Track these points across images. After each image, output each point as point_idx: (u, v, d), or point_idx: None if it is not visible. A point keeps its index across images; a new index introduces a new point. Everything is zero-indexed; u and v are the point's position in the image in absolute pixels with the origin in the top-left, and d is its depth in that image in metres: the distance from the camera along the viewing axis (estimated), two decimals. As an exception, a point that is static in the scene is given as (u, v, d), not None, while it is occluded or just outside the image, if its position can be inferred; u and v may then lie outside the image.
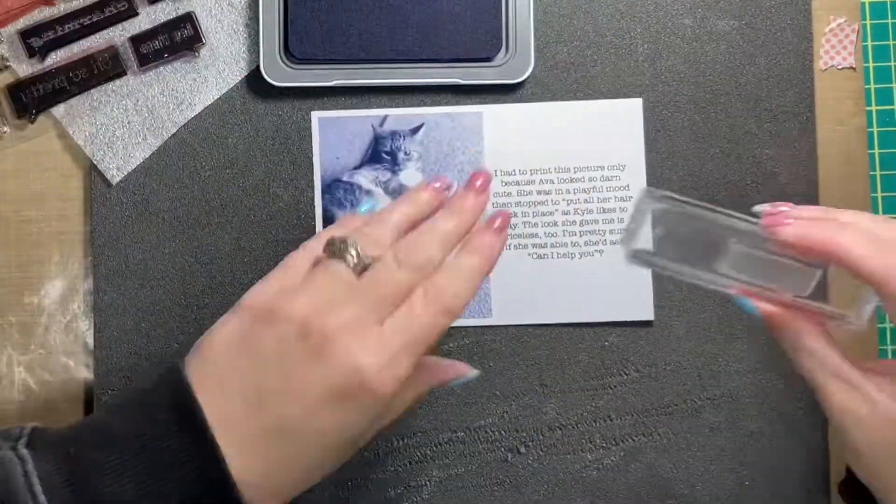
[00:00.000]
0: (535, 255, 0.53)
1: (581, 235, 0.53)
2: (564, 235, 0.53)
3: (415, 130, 0.53)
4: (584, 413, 0.53)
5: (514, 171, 0.53)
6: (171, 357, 0.41)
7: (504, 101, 0.53)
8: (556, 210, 0.53)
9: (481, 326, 0.53)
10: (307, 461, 0.40)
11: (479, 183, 0.43)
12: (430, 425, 0.53)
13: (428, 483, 0.53)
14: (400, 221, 0.43)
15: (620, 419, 0.53)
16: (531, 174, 0.53)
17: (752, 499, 0.52)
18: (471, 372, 0.45)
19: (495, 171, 0.53)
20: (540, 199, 0.53)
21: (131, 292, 0.53)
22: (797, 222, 0.39)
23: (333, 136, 0.53)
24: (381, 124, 0.53)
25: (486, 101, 0.53)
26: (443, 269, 0.41)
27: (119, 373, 0.52)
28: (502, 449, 0.53)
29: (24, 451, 0.38)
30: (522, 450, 0.53)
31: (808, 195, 0.53)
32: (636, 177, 0.53)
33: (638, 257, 0.40)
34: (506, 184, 0.53)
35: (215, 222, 0.53)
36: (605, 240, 0.53)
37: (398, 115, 0.53)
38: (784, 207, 0.40)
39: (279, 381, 0.39)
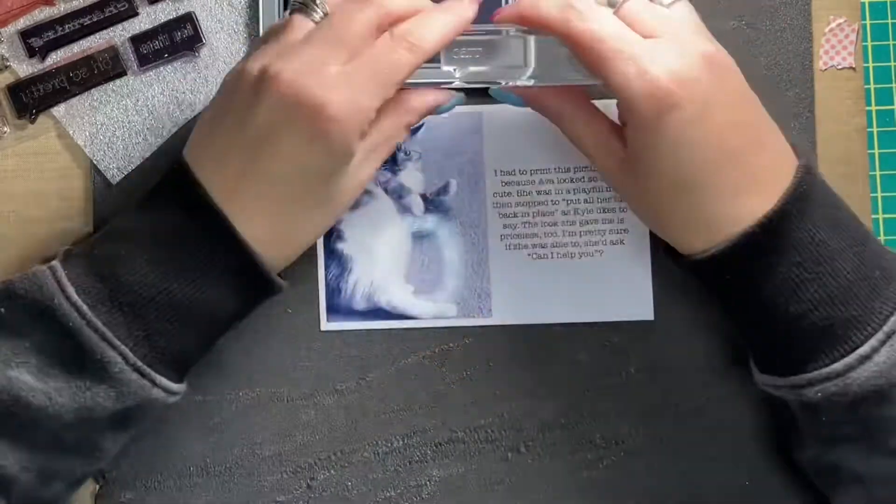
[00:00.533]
0: (534, 255, 0.53)
1: (581, 235, 0.53)
2: (564, 235, 0.53)
3: (415, 130, 0.53)
4: (584, 413, 0.53)
5: (514, 171, 0.53)
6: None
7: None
8: (556, 210, 0.53)
9: (481, 326, 0.53)
10: (298, 208, 0.43)
11: None
12: (430, 425, 0.53)
13: (428, 483, 0.53)
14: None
15: (620, 419, 0.53)
16: (531, 174, 0.53)
17: (752, 499, 0.52)
18: (450, 97, 0.46)
19: (495, 170, 0.53)
20: (540, 199, 0.53)
21: (131, 292, 0.53)
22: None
23: (333, 136, 0.53)
24: (381, 124, 0.53)
25: (487, 101, 0.53)
26: (411, 18, 0.43)
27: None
28: (502, 449, 0.53)
29: (56, 263, 0.43)
30: (522, 450, 0.53)
31: (808, 195, 0.53)
32: (636, 177, 0.53)
33: None
34: (506, 184, 0.53)
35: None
36: (605, 240, 0.53)
37: (398, 115, 0.53)
38: None
39: (253, 133, 0.41)
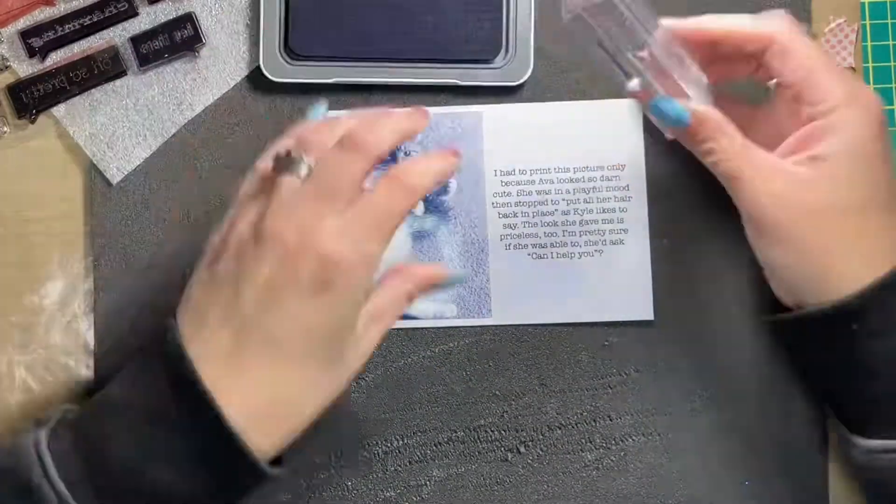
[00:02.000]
0: (534, 255, 0.53)
1: (581, 235, 0.53)
2: (564, 235, 0.53)
3: (415, 130, 0.53)
4: (584, 413, 0.53)
5: (514, 171, 0.53)
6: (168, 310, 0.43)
7: (504, 102, 0.53)
8: (556, 210, 0.53)
9: (481, 326, 0.53)
10: (301, 374, 0.40)
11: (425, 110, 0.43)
12: (430, 425, 0.53)
13: (428, 483, 0.53)
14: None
15: (620, 419, 0.53)
16: (531, 174, 0.53)
17: (752, 499, 0.52)
18: (453, 272, 0.46)
19: (495, 170, 0.53)
20: (540, 199, 0.53)
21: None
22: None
23: (333, 136, 0.53)
24: (381, 124, 0.53)
25: (486, 102, 0.53)
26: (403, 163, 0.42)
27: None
28: (502, 449, 0.53)
29: (41, 434, 0.40)
30: (522, 450, 0.53)
31: (808, 195, 0.53)
32: (636, 177, 0.53)
33: (574, 13, 0.45)
34: (506, 184, 0.53)
35: (215, 222, 0.53)
36: (605, 240, 0.53)
37: (398, 115, 0.53)
38: None
39: (252, 296, 0.39)
